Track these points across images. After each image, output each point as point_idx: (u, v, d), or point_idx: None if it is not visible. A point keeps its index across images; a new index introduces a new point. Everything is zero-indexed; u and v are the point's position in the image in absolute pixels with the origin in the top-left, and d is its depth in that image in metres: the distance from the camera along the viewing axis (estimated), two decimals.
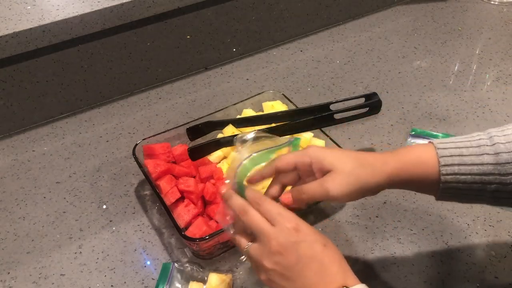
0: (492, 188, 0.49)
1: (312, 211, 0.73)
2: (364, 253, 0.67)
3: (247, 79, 1.01)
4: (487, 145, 0.49)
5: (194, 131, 0.77)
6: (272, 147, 0.57)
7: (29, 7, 0.83)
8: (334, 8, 1.14)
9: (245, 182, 0.55)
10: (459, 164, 0.50)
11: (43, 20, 0.79)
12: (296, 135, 0.73)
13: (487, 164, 0.49)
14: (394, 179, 0.53)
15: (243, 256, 0.53)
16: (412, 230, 0.70)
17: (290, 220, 0.49)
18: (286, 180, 0.56)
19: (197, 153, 0.73)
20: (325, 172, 0.52)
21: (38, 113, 0.90)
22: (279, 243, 0.48)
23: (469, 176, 0.49)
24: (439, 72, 1.01)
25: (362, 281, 0.64)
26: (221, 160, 0.77)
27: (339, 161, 0.52)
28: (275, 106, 0.81)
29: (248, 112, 0.81)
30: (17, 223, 0.73)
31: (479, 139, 0.51)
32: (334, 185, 0.51)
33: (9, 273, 0.66)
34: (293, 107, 0.80)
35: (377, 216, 0.72)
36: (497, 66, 1.02)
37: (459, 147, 0.50)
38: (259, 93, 0.83)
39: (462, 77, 0.99)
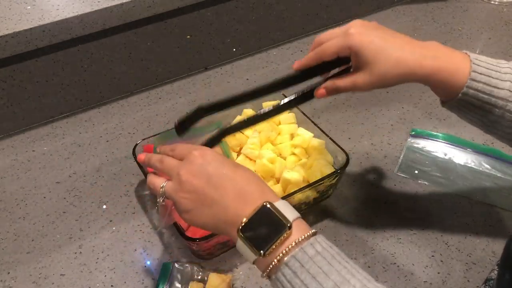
0: (498, 113, 0.54)
1: (312, 211, 0.73)
2: (364, 253, 0.67)
3: (247, 79, 1.01)
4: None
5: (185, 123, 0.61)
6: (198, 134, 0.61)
7: (29, 7, 0.83)
8: (334, 8, 1.14)
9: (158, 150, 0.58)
10: (484, 83, 0.53)
11: (43, 20, 0.79)
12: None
13: (507, 90, 0.53)
14: (421, 79, 0.55)
15: (161, 198, 0.52)
16: (412, 230, 0.70)
17: (197, 148, 0.51)
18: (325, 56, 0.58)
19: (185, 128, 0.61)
20: (361, 63, 0.55)
21: (38, 113, 0.90)
22: (187, 170, 0.49)
23: (486, 96, 0.54)
24: None
25: None
26: None
27: (374, 58, 0.54)
28: None
29: (248, 112, 0.81)
30: (17, 223, 0.73)
31: (507, 67, 0.55)
32: (364, 83, 0.55)
33: (9, 273, 0.66)
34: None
35: (377, 216, 0.72)
36: None
37: (490, 69, 0.54)
38: None
39: None
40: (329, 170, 0.71)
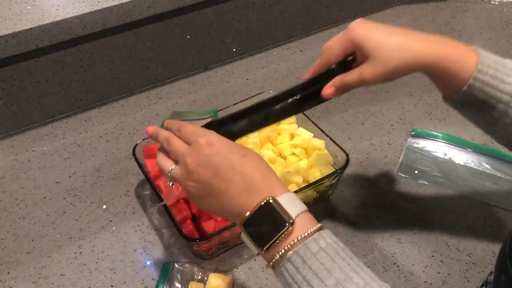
0: (502, 109, 0.53)
1: (312, 211, 0.73)
2: (364, 253, 0.67)
3: (247, 79, 1.01)
4: None
5: None
6: (195, 118, 0.60)
7: (29, 7, 0.83)
8: (334, 8, 1.14)
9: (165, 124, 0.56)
10: (491, 76, 0.52)
11: (43, 20, 0.79)
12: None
13: None
14: (427, 68, 0.54)
15: (170, 182, 0.52)
16: (412, 230, 0.70)
17: (204, 135, 0.49)
18: (331, 58, 0.57)
19: None
20: (365, 56, 0.54)
21: (38, 113, 0.90)
22: (193, 160, 0.48)
23: (492, 89, 0.52)
24: None
25: None
26: None
27: (378, 48, 0.53)
28: None
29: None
30: (17, 223, 0.73)
31: None
32: (371, 74, 0.54)
33: (9, 273, 0.66)
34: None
35: (377, 216, 0.72)
36: None
37: (496, 63, 0.53)
38: (259, 93, 0.83)
39: None
40: (329, 170, 0.71)
